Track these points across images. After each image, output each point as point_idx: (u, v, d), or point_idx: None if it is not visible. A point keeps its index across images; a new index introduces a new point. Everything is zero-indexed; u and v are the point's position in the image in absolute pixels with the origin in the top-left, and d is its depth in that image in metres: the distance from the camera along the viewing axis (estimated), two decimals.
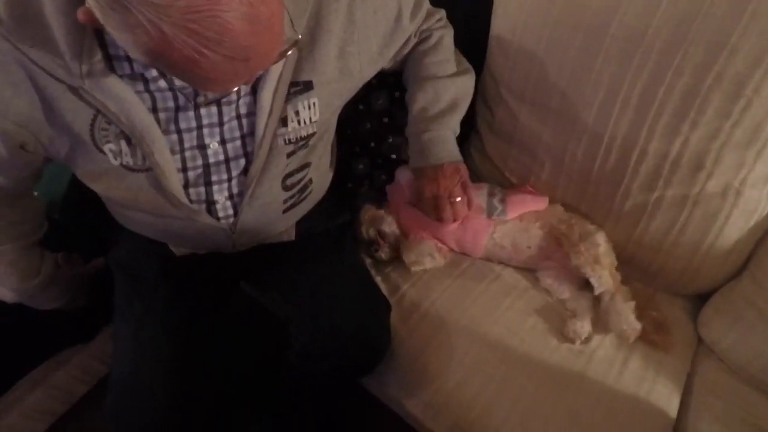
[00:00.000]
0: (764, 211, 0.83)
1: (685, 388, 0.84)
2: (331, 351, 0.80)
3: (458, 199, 0.86)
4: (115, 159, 0.64)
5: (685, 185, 0.84)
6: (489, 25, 0.97)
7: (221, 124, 0.67)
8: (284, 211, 0.81)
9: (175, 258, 0.83)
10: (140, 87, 0.61)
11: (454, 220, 0.87)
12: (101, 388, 1.00)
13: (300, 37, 0.63)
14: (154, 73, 0.60)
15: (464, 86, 0.91)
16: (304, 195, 0.83)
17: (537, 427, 0.76)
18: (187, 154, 0.68)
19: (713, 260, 0.89)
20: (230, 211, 0.74)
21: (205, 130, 0.67)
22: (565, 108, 0.91)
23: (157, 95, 0.62)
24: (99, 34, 0.55)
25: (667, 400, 0.81)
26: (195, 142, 0.67)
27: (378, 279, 0.96)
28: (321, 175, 0.87)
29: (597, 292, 0.87)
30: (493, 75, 1.01)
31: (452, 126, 0.89)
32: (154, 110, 0.63)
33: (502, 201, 0.95)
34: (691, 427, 0.79)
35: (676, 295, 0.96)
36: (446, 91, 0.87)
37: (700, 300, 0.95)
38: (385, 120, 0.96)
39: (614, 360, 0.83)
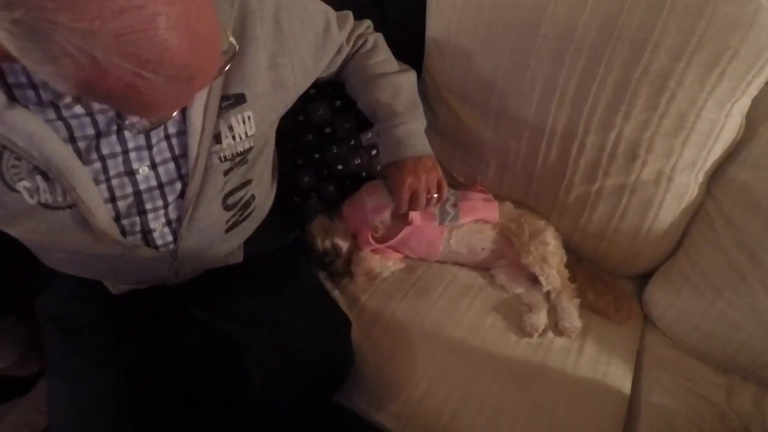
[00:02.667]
0: (693, 194, 0.89)
1: (636, 365, 0.88)
2: (294, 378, 0.77)
3: (435, 195, 0.88)
4: (32, 197, 0.57)
5: (622, 175, 0.88)
6: (424, 25, 0.96)
7: (149, 147, 0.62)
8: (227, 231, 0.76)
9: (113, 297, 0.76)
10: (51, 115, 0.55)
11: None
12: None
13: (238, 47, 0.59)
14: (67, 98, 0.54)
15: (414, 81, 0.92)
16: (246, 213, 0.79)
17: (505, 424, 0.77)
18: (114, 182, 0.62)
19: (651, 242, 0.94)
20: (169, 238, 0.69)
21: (132, 155, 0.61)
22: (504, 106, 0.92)
23: (73, 122, 0.56)
24: None
25: (621, 378, 0.85)
26: (122, 168, 0.62)
27: (335, 293, 0.94)
28: (263, 191, 0.83)
29: (545, 290, 0.90)
30: (432, 76, 1.00)
31: (420, 119, 0.90)
32: (72, 140, 0.57)
33: (455, 206, 0.95)
34: (643, 401, 0.84)
35: (621, 277, 1.01)
36: (401, 85, 0.88)
37: (643, 280, 1.00)
38: (327, 130, 0.94)
39: (570, 349, 0.87)
